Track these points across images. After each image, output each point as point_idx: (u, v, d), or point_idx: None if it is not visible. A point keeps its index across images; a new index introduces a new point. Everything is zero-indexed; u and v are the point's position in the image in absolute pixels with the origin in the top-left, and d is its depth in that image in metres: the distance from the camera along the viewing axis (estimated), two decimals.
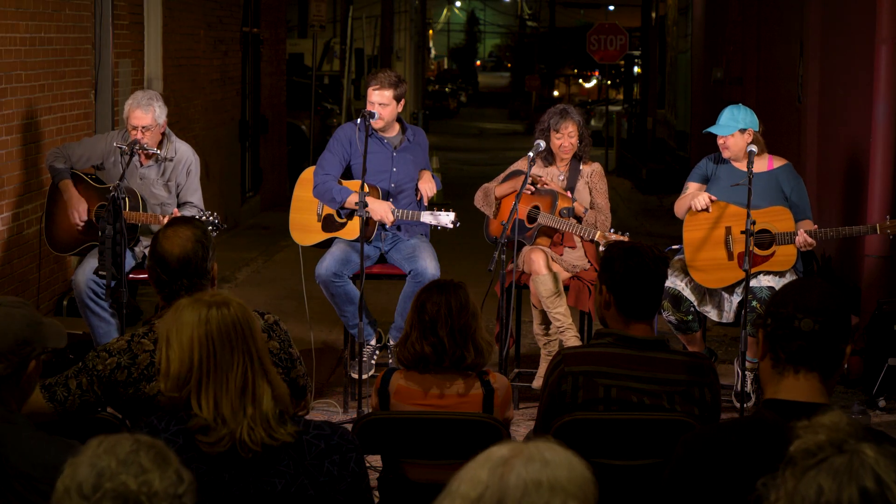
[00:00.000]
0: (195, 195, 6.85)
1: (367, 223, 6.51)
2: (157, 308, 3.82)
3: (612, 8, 54.49)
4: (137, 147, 6.52)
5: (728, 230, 6.51)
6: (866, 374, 7.21)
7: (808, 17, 10.54)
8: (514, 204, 6.36)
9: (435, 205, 7.13)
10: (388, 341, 6.92)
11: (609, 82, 40.88)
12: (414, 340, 4.06)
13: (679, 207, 6.71)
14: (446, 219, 6.53)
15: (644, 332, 3.80)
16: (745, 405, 6.40)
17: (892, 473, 1.85)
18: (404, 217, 6.66)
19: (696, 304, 6.58)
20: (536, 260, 6.62)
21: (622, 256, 3.82)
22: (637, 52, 30.92)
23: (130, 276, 6.61)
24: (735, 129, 6.53)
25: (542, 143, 6.79)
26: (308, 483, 2.83)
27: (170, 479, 2.07)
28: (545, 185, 6.79)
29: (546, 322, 6.76)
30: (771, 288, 6.37)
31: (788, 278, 6.40)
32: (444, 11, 69.28)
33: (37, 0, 7.90)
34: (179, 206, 6.79)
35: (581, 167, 6.92)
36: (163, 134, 6.76)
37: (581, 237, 6.72)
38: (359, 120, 6.73)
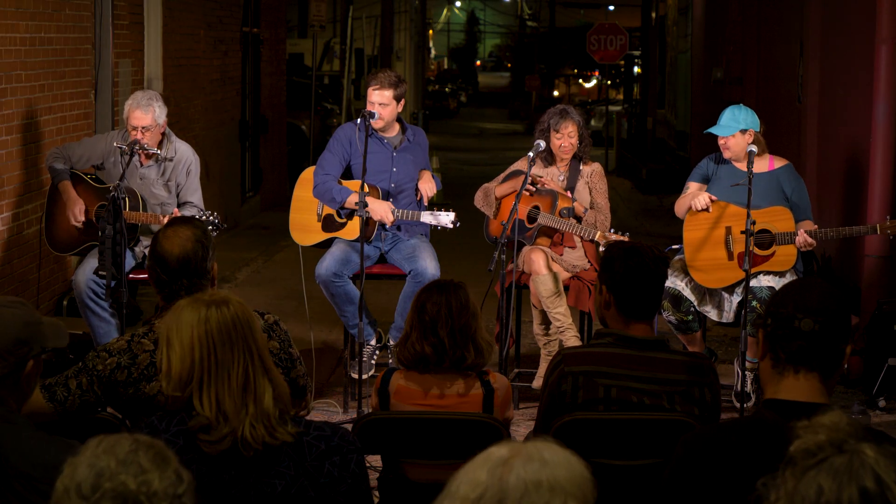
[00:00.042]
0: (195, 195, 6.85)
1: (367, 223, 6.51)
2: (157, 308, 3.82)
3: (612, 8, 54.49)
4: (137, 147, 6.52)
5: (728, 230, 6.51)
6: (866, 374, 7.21)
7: (808, 17, 10.54)
8: (514, 204, 6.36)
9: (435, 205, 7.13)
10: (388, 341, 6.92)
11: (609, 82, 40.89)
12: (414, 340, 4.06)
13: (679, 207, 6.71)
14: (446, 219, 6.53)
15: (644, 332, 3.80)
16: (745, 405, 6.40)
17: (892, 473, 1.85)
18: (404, 217, 6.66)
19: (696, 303, 6.58)
20: (536, 260, 6.62)
21: (622, 256, 3.82)
22: (637, 52, 30.92)
23: (130, 276, 6.61)
24: (736, 129, 6.53)
25: (542, 143, 6.79)
26: (308, 484, 2.83)
27: (169, 479, 2.07)
28: (545, 185, 6.79)
29: (546, 322, 6.76)
30: (771, 288, 6.37)
31: (788, 278, 6.40)
32: (444, 11, 69.29)
33: (37, 0, 7.90)
34: (179, 205, 6.80)
35: (581, 167, 6.92)
36: (163, 134, 6.76)
37: (581, 237, 6.72)
38: (359, 120, 6.73)
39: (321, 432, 2.89)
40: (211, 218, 6.36)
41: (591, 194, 6.90)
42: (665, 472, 2.78)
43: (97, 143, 6.88)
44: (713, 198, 6.54)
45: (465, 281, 4.18)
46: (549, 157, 6.91)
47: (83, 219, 6.70)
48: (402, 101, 6.81)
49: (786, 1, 12.19)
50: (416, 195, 6.88)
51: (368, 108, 6.70)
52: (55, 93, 8.27)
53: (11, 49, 7.51)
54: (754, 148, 6.40)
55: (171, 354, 2.87)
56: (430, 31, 56.83)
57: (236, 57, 13.84)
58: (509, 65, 68.93)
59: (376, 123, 6.71)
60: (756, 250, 6.33)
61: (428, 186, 6.83)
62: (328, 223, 6.90)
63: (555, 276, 6.61)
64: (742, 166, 6.51)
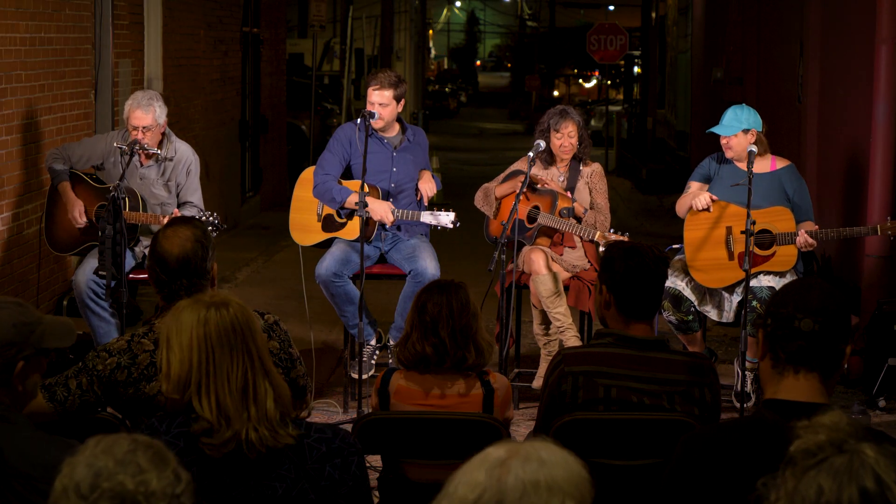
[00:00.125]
0: (195, 195, 6.85)
1: (367, 223, 6.51)
2: (157, 308, 3.82)
3: (612, 8, 54.48)
4: (137, 147, 6.52)
5: (729, 230, 6.51)
6: (866, 374, 7.21)
7: (808, 17, 10.54)
8: (514, 204, 6.36)
9: (435, 205, 7.13)
10: (388, 341, 6.92)
11: (609, 82, 40.88)
12: (415, 341, 4.06)
13: (680, 206, 6.71)
14: (446, 219, 6.53)
15: (644, 332, 3.80)
16: (745, 405, 6.40)
17: (892, 473, 1.85)
18: (404, 217, 6.66)
19: (696, 303, 6.58)
20: (536, 260, 6.62)
21: (622, 256, 3.82)
22: (637, 52, 30.91)
23: (130, 276, 6.61)
24: (738, 129, 6.53)
25: (542, 144, 6.79)
26: (309, 487, 2.82)
27: (167, 479, 2.07)
28: (545, 186, 6.79)
29: (546, 322, 6.76)
30: (771, 288, 6.37)
31: (789, 279, 6.40)
32: (444, 11, 69.28)
33: (37, 0, 7.90)
34: (179, 205, 6.79)
35: (581, 168, 6.92)
36: (163, 134, 6.76)
37: (581, 237, 6.72)
38: (359, 120, 6.73)
39: (322, 434, 2.88)
40: (211, 218, 6.36)
41: (591, 195, 6.90)
42: (665, 472, 2.78)
43: (97, 144, 6.88)
44: (714, 197, 6.54)
45: (465, 281, 4.18)
46: (549, 158, 6.91)
47: (84, 220, 6.70)
48: (402, 101, 6.81)
49: (786, 1, 12.19)
50: (416, 195, 6.88)
51: (368, 108, 6.70)
52: (55, 93, 8.27)
53: (11, 49, 7.51)
54: (754, 148, 6.40)
55: (170, 356, 2.87)
56: (430, 31, 56.83)
57: (236, 57, 13.84)
58: (509, 65, 68.93)
59: (376, 123, 6.71)
60: (756, 250, 6.33)
61: (428, 186, 6.83)
62: (328, 223, 6.90)
63: (555, 276, 6.61)
64: (744, 166, 6.50)
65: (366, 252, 6.45)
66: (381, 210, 6.57)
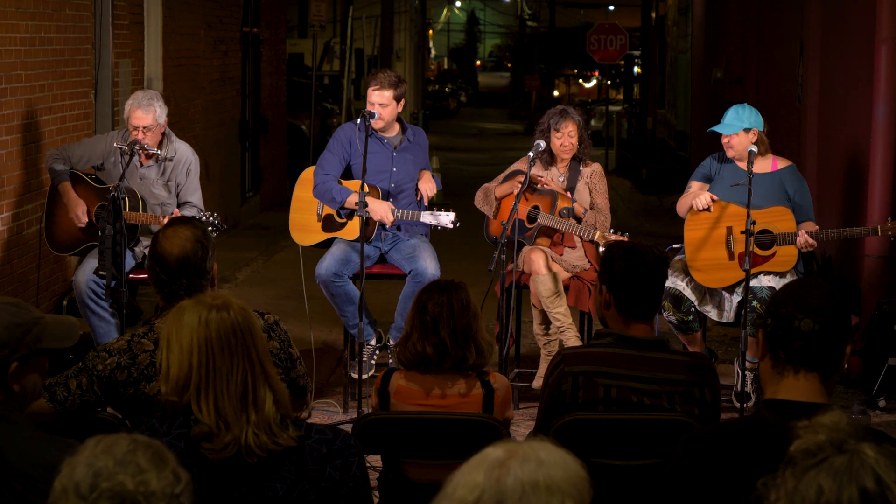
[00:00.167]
0: (195, 195, 6.85)
1: (367, 223, 6.51)
2: (157, 308, 3.82)
3: (612, 8, 54.48)
4: (137, 147, 6.53)
5: (729, 230, 6.51)
6: (866, 374, 7.21)
7: (808, 17, 10.54)
8: (514, 204, 6.36)
9: (435, 205, 7.13)
10: (388, 341, 6.92)
11: (609, 82, 40.87)
12: (415, 341, 4.06)
13: (681, 206, 6.72)
14: (446, 219, 6.53)
15: (644, 332, 3.80)
16: (745, 405, 6.40)
17: (892, 473, 1.85)
18: (404, 217, 6.66)
19: (696, 303, 6.58)
20: (536, 260, 6.62)
21: (622, 256, 3.82)
22: (637, 52, 30.90)
23: (130, 276, 6.61)
24: (740, 128, 6.53)
25: (542, 144, 6.79)
26: (309, 488, 2.82)
27: (167, 479, 2.07)
28: (545, 185, 6.79)
29: (546, 322, 6.76)
30: (771, 288, 6.37)
31: (789, 279, 6.40)
32: (444, 11, 69.28)
33: (37, 0, 7.90)
34: (179, 205, 6.80)
35: (581, 168, 6.92)
36: (163, 134, 6.77)
37: (581, 237, 6.72)
38: (359, 120, 6.73)
39: (323, 436, 2.87)
40: (211, 219, 6.36)
41: (591, 195, 6.90)
42: (665, 472, 2.78)
43: (97, 144, 6.88)
44: (714, 197, 6.54)
45: (465, 281, 4.18)
46: (549, 158, 6.91)
47: (87, 220, 6.70)
48: (402, 102, 6.81)
49: (786, 1, 12.19)
50: (416, 195, 6.88)
51: (368, 108, 6.70)
52: (55, 93, 8.27)
53: (11, 49, 7.51)
54: (754, 148, 6.39)
55: (170, 357, 2.86)
56: (430, 31, 56.83)
57: (236, 57, 13.84)
58: (509, 65, 68.92)
59: (376, 123, 6.71)
60: (757, 250, 6.33)
61: (428, 186, 6.84)
62: (328, 223, 6.90)
63: (555, 276, 6.61)
64: (745, 166, 6.50)
65: (366, 252, 6.45)
66: (381, 210, 6.57)
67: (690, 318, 6.57)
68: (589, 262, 6.80)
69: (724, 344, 8.46)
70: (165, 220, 6.18)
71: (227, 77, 13.39)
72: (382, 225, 6.73)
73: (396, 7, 31.48)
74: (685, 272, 6.59)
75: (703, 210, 6.54)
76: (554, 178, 6.89)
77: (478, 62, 75.73)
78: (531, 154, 6.63)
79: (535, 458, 1.91)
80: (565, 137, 6.81)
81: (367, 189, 6.41)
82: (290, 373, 3.83)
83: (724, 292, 6.58)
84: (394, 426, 4.00)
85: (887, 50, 7.90)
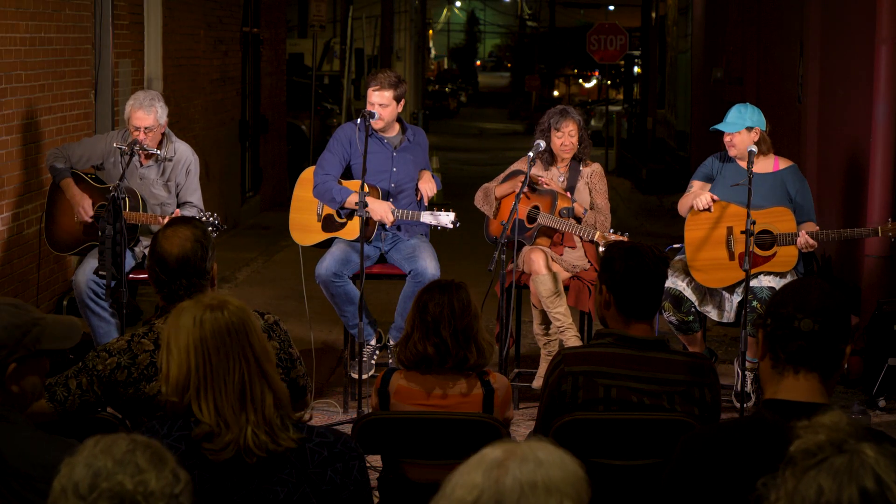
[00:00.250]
0: (195, 195, 6.85)
1: (367, 223, 6.51)
2: (157, 308, 3.82)
3: (612, 8, 54.47)
4: (137, 147, 6.53)
5: (730, 230, 6.51)
6: (866, 374, 7.21)
7: (808, 17, 10.54)
8: (514, 204, 6.36)
9: (435, 205, 7.13)
10: (388, 341, 6.92)
11: (609, 82, 40.87)
12: (416, 341, 4.05)
13: (682, 206, 6.72)
14: (446, 219, 6.53)
15: (644, 332, 3.80)
16: (745, 405, 6.40)
17: (892, 473, 1.85)
18: (404, 217, 6.66)
19: (696, 304, 6.58)
20: (536, 260, 6.62)
21: (622, 256, 3.82)
22: (637, 52, 30.90)
23: (130, 276, 6.61)
24: (742, 126, 6.53)
25: (542, 144, 6.79)
26: (310, 491, 2.81)
27: (166, 479, 2.07)
28: (545, 185, 6.79)
29: (546, 322, 6.76)
30: (772, 288, 6.37)
31: (789, 279, 6.40)
32: (444, 11, 69.27)
33: (37, 0, 7.90)
34: (179, 205, 6.80)
35: (581, 168, 6.92)
36: (163, 134, 6.77)
37: (581, 237, 6.72)
38: (359, 120, 6.73)
39: (324, 439, 2.87)
40: (211, 219, 6.36)
41: (590, 195, 6.90)
42: (665, 473, 2.78)
43: (97, 144, 6.88)
44: (715, 197, 6.54)
45: (465, 281, 4.18)
46: (549, 158, 6.91)
47: (92, 212, 6.70)
48: (402, 102, 6.81)
49: (786, 1, 12.18)
50: (417, 195, 6.88)
51: (368, 108, 6.71)
52: (55, 93, 8.27)
53: (11, 49, 7.51)
54: (754, 148, 6.39)
55: (169, 359, 2.86)
56: (430, 31, 56.82)
57: (236, 57, 13.84)
58: (509, 65, 68.91)
59: (376, 124, 6.71)
60: (757, 251, 6.33)
61: (428, 186, 6.84)
62: (328, 223, 6.90)
63: (555, 276, 6.62)
64: (746, 165, 6.50)
65: (366, 252, 6.45)
66: (381, 210, 6.57)
67: (691, 318, 6.57)
68: (589, 262, 6.80)
69: (724, 344, 8.46)
70: (165, 221, 6.18)
71: (227, 77, 13.39)
72: (382, 225, 6.73)
73: (396, 7, 31.49)
74: (685, 272, 6.59)
75: (704, 210, 6.53)
76: (554, 177, 6.89)
77: (478, 62, 75.73)
78: (531, 154, 6.63)
79: (533, 459, 1.91)
80: (566, 137, 6.81)
81: (367, 189, 6.41)
82: (290, 373, 3.83)
83: (724, 292, 6.58)
84: (394, 426, 4.00)
85: (887, 50, 7.90)
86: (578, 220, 6.76)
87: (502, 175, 7.03)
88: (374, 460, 4.74)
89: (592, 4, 56.46)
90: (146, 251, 4.75)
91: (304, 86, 20.67)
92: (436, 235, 7.01)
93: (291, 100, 17.95)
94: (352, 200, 6.60)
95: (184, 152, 6.85)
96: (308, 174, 6.99)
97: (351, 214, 6.75)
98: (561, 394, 3.76)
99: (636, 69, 32.46)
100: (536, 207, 6.80)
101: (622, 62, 30.12)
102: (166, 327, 2.91)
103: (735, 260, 6.46)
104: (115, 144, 6.67)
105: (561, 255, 6.79)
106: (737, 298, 6.54)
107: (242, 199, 14.65)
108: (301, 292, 6.93)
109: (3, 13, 7.36)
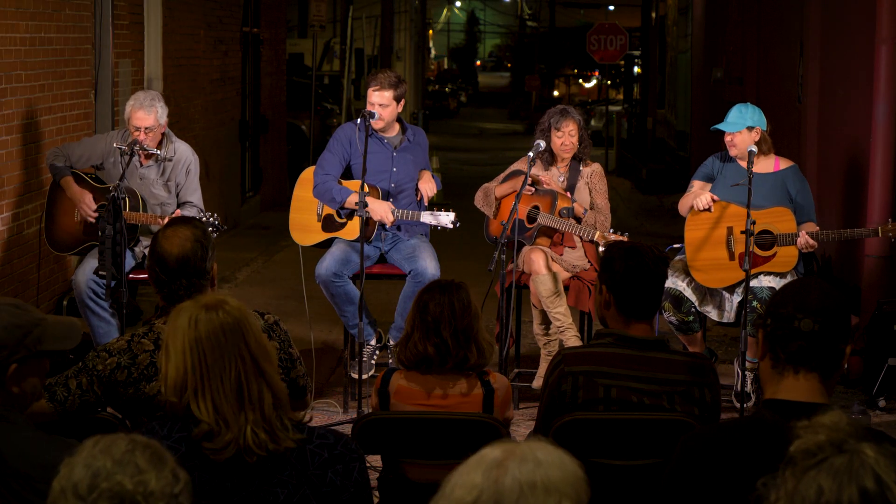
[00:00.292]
0: (195, 195, 6.85)
1: (367, 223, 6.51)
2: (157, 308, 3.82)
3: (612, 8, 54.47)
4: (137, 147, 6.53)
5: (730, 230, 6.50)
6: (866, 374, 7.21)
7: (808, 17, 10.54)
8: (514, 204, 6.36)
9: (435, 205, 7.13)
10: (388, 341, 6.92)
11: (609, 82, 40.87)
12: (416, 341, 4.05)
13: (682, 205, 6.72)
14: (446, 219, 6.53)
15: (644, 332, 3.80)
16: (745, 405, 6.40)
17: (892, 473, 1.85)
18: (404, 217, 6.66)
19: (696, 304, 6.58)
20: (536, 260, 6.62)
21: (622, 256, 3.82)
22: (637, 52, 30.90)
23: (130, 276, 6.61)
24: (743, 126, 6.53)
25: (542, 143, 6.79)
26: (310, 493, 2.81)
27: (166, 479, 2.07)
28: (545, 185, 6.79)
29: (546, 322, 6.76)
30: (772, 288, 6.37)
31: (789, 279, 6.40)
32: (444, 11, 69.27)
33: (37, 0, 7.90)
34: (179, 205, 6.80)
35: (581, 168, 6.93)
36: (163, 134, 6.77)
37: (581, 237, 6.72)
38: (359, 120, 6.73)
39: (324, 440, 2.86)
40: (211, 219, 6.36)
41: (590, 195, 6.90)
42: (665, 473, 2.78)
43: (97, 144, 6.88)
44: (715, 197, 6.54)
45: (465, 281, 4.18)
46: (549, 158, 6.91)
47: (95, 207, 6.70)
48: (402, 102, 6.81)
49: (786, 1, 12.18)
50: (417, 195, 6.88)
51: (368, 108, 6.71)
52: (55, 93, 8.27)
53: (11, 49, 7.51)
54: (754, 148, 6.39)
55: (167, 360, 2.86)
56: (430, 31, 56.82)
57: (236, 57, 13.84)
58: (509, 65, 68.90)
59: (376, 124, 6.71)
60: (757, 251, 6.33)
61: (428, 186, 6.84)
62: (328, 223, 6.90)
63: (555, 276, 6.61)
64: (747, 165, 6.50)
65: (366, 252, 6.45)
66: (381, 210, 6.57)
67: (691, 318, 6.57)
68: (589, 262, 6.80)
69: (724, 344, 8.46)
70: (165, 221, 6.18)
71: (227, 77, 13.39)
72: (382, 225, 6.73)
73: (396, 7, 31.48)
74: (685, 272, 6.59)
75: (704, 210, 6.53)
76: (554, 177, 6.89)
77: (478, 62, 75.72)
78: (531, 154, 6.63)
79: (532, 459, 1.91)
80: (566, 136, 6.82)
81: (367, 189, 6.41)
82: (290, 373, 3.83)
83: (724, 292, 6.57)
84: (394, 426, 4.00)
85: (887, 50, 7.90)
86: (578, 220, 6.76)
87: (502, 175, 7.03)
88: (374, 460, 4.74)
89: (592, 4, 56.45)
90: (146, 251, 4.75)
91: (304, 86, 20.67)
92: (436, 235, 7.01)
93: (291, 100, 17.95)
94: (352, 200, 6.60)
95: (184, 152, 6.85)
96: (308, 174, 6.99)
97: (351, 214, 6.75)
98: (561, 394, 3.76)
99: (636, 69, 32.46)
100: (536, 207, 6.80)
101: (622, 62, 30.12)
102: (166, 328, 2.91)
103: (735, 260, 6.46)
104: (115, 144, 6.67)
105: (561, 255, 6.79)
106: (737, 298, 6.53)
107: (242, 199, 14.65)
108: (301, 292, 6.93)
109: (3, 13, 7.36)
